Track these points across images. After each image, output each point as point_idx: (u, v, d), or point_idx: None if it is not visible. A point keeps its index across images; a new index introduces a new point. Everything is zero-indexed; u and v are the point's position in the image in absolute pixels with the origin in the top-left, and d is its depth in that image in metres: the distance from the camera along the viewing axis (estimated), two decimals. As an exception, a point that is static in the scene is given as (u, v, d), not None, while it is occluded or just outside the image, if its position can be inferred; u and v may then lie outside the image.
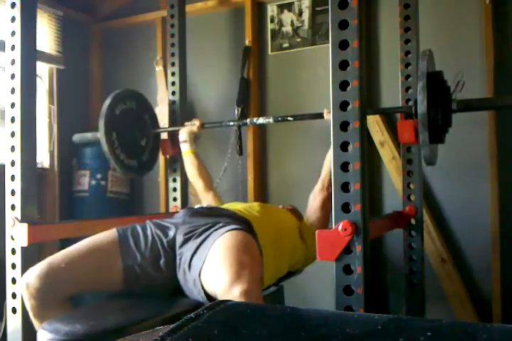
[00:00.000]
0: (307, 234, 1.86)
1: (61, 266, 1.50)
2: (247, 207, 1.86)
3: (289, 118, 2.03)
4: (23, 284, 1.49)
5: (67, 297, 1.54)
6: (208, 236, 1.56)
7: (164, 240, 1.63)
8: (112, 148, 2.16)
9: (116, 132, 2.19)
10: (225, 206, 1.90)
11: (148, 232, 1.66)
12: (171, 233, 1.65)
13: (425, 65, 1.55)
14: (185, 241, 1.60)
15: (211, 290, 1.42)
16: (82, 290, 1.61)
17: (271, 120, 2.06)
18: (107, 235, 1.64)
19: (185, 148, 2.27)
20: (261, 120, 2.10)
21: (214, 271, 1.42)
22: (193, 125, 2.26)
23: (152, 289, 1.60)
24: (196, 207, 1.88)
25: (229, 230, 1.54)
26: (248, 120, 2.19)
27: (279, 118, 2.06)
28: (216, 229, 1.58)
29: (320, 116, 1.95)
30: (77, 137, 2.45)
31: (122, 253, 1.59)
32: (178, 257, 1.59)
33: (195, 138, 2.29)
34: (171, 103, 2.51)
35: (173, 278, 1.59)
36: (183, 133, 2.27)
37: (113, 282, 1.58)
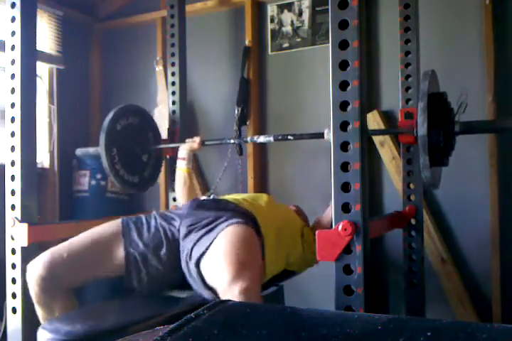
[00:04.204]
0: (311, 237, 1.85)
1: (64, 255, 1.55)
2: (254, 196, 1.90)
3: (289, 137, 2.06)
4: (29, 271, 1.54)
5: (71, 287, 1.59)
6: (210, 230, 1.59)
7: (168, 231, 1.67)
8: (112, 164, 2.15)
9: (117, 147, 2.17)
10: (231, 197, 1.90)
11: (152, 222, 1.71)
12: (176, 223, 1.69)
13: (427, 85, 1.52)
14: (188, 233, 1.63)
15: (211, 283, 1.47)
16: (85, 279, 1.64)
17: (271, 138, 2.09)
18: (110, 225, 1.70)
19: (182, 166, 2.21)
20: (261, 138, 2.13)
21: (215, 266, 1.46)
22: (194, 142, 2.23)
23: (154, 279, 1.62)
24: (202, 198, 1.89)
25: (231, 224, 1.57)
26: (249, 138, 2.21)
27: (280, 137, 2.07)
28: (218, 224, 1.60)
29: (320, 135, 1.91)
30: (79, 151, 2.47)
31: (125, 242, 1.64)
32: (181, 249, 1.62)
33: (193, 156, 2.27)
34: (171, 103, 2.51)
35: (175, 269, 1.61)
36: (183, 150, 2.23)
37: (115, 269, 1.62)
